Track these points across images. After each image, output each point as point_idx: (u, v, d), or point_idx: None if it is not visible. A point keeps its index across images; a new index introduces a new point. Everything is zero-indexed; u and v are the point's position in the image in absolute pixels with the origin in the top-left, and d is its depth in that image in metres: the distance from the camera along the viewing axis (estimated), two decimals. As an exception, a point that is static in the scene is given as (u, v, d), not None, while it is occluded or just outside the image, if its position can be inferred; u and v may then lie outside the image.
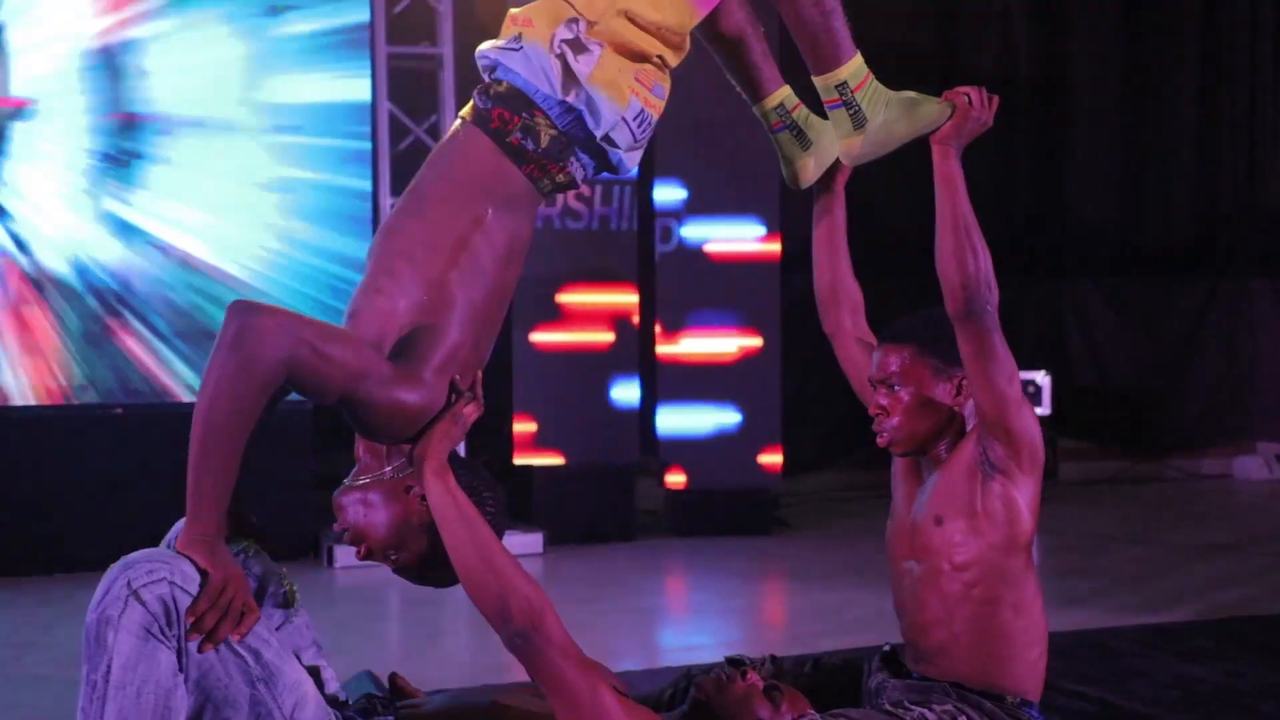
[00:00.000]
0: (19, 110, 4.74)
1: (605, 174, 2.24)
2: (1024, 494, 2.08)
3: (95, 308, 4.79)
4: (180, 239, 4.89)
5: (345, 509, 2.04)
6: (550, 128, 2.05)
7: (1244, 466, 7.41)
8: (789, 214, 5.28)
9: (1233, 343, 7.60)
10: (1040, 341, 6.89)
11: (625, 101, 2.06)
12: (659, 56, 2.11)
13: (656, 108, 2.15)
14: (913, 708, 2.00)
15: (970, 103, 2.08)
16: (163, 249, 4.86)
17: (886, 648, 2.26)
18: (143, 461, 4.75)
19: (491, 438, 5.36)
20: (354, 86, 5.04)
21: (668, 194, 5.43)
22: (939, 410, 2.14)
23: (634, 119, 2.09)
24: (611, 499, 5.31)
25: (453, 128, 2.17)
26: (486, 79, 2.12)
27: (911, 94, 2.15)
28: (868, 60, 2.19)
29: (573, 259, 5.26)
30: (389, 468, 2.04)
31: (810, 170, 2.32)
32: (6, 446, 4.72)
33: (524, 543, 4.94)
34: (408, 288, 1.99)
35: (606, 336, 5.27)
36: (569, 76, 2.03)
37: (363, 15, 5.02)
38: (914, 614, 2.17)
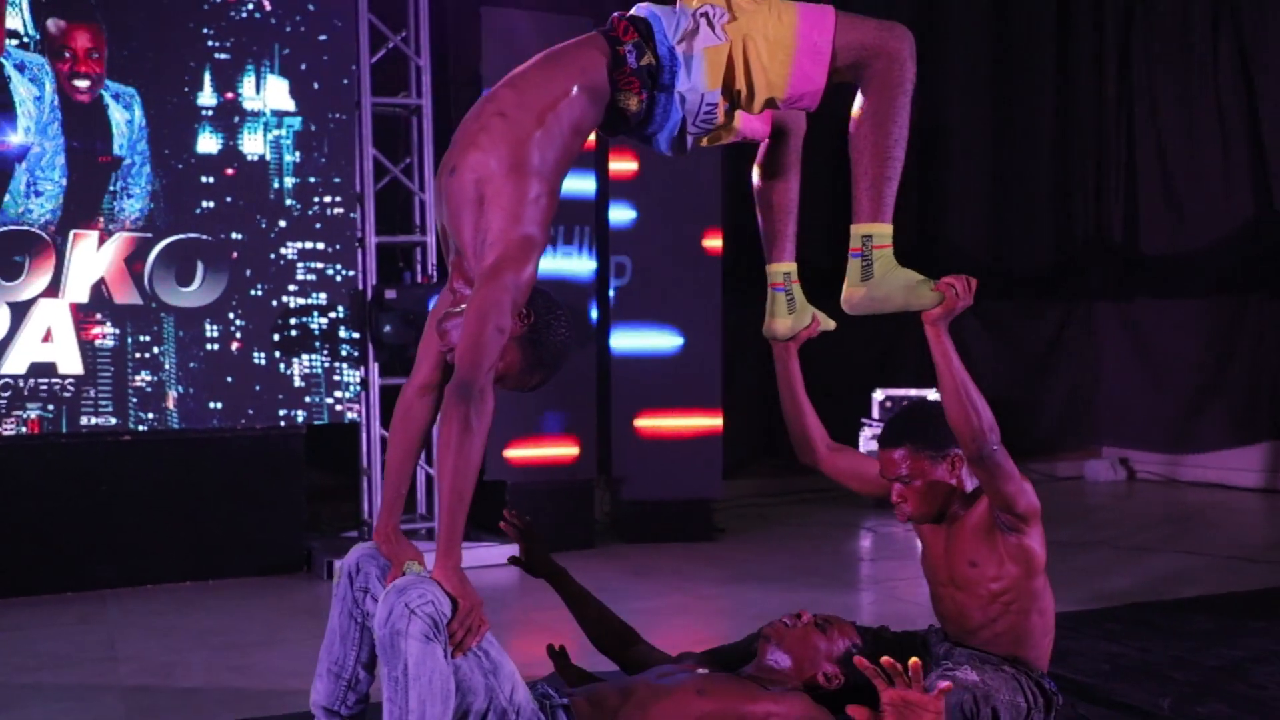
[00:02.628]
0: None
1: (641, 136, 2.65)
2: (1035, 540, 2.76)
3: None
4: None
5: (449, 333, 2.47)
6: (651, 58, 2.52)
7: (1093, 469, 8.43)
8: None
9: (1083, 358, 8.60)
10: (926, 360, 7.67)
11: (714, 84, 2.54)
12: (737, 94, 2.55)
13: (716, 119, 2.59)
14: (983, 666, 2.66)
15: (957, 293, 2.57)
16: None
17: (937, 626, 2.92)
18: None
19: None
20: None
21: (620, 214, 5.95)
22: (946, 488, 2.80)
23: (706, 105, 2.55)
24: (572, 510, 5.84)
25: (573, 40, 2.60)
26: (618, 16, 2.59)
27: (917, 276, 2.57)
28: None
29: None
30: None
31: (785, 328, 2.93)
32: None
33: (500, 553, 5.41)
34: (497, 142, 2.41)
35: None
36: (691, 37, 2.52)
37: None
38: (959, 621, 2.84)
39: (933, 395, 7.08)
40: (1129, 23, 8.34)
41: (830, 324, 2.99)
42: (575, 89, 2.52)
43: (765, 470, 7.54)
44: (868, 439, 7.03)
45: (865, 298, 2.61)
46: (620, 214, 5.94)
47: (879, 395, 7.16)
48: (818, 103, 2.64)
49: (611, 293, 5.98)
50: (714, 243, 6.02)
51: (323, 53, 5.38)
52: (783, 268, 2.92)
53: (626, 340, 5.97)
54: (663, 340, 5.98)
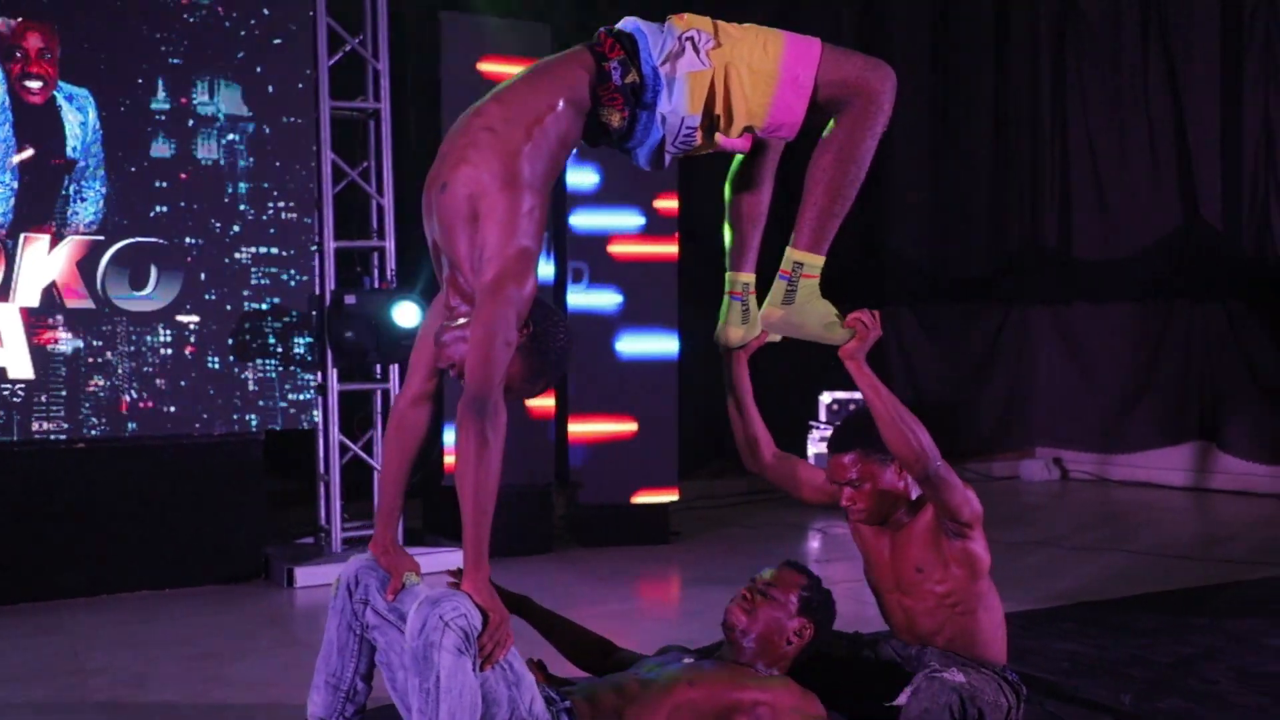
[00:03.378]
0: None
1: (621, 148, 2.71)
2: (978, 544, 2.89)
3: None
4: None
5: (448, 346, 2.50)
6: (635, 75, 2.57)
7: (1028, 469, 8.67)
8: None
9: (1018, 362, 8.85)
10: (876, 363, 7.83)
11: (695, 109, 2.59)
12: (716, 118, 2.61)
13: (694, 141, 2.65)
14: (955, 669, 2.76)
15: (867, 326, 2.73)
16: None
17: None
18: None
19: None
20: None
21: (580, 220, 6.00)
22: (894, 491, 2.92)
23: (686, 128, 2.62)
24: (531, 514, 5.86)
25: (559, 54, 2.66)
26: (605, 32, 2.63)
27: (833, 312, 2.72)
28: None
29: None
30: None
31: (738, 336, 3.02)
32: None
33: (459, 560, 5.42)
34: (488, 157, 2.45)
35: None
36: (675, 59, 2.57)
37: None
38: (911, 627, 2.96)
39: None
40: (1062, 39, 8.59)
41: (778, 336, 3.05)
42: (561, 103, 2.56)
43: (711, 473, 7.63)
44: (815, 441, 7.15)
45: (783, 320, 2.73)
46: (580, 220, 5.98)
47: (826, 398, 7.29)
48: (796, 133, 2.71)
49: (569, 297, 6.02)
50: (669, 249, 6.08)
51: (277, 57, 5.34)
52: (743, 278, 2.99)
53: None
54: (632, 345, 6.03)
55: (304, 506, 5.84)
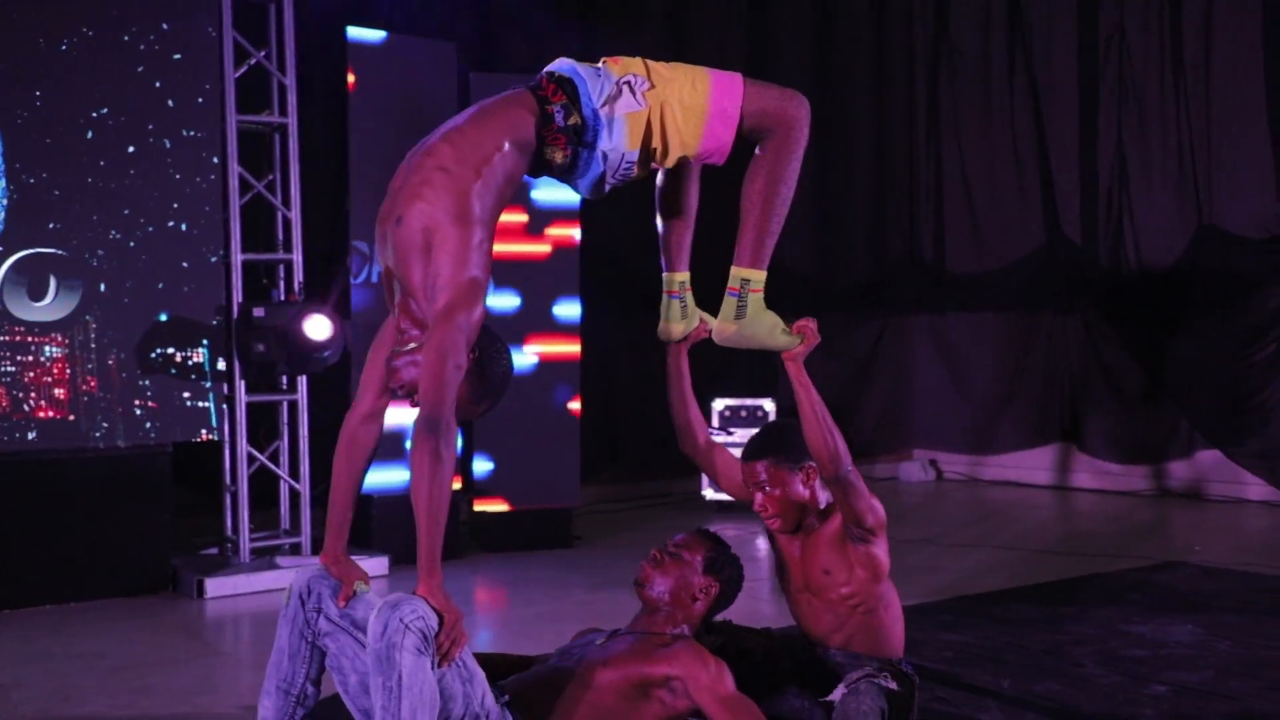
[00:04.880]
0: None
1: (563, 180, 2.92)
2: (880, 548, 3.16)
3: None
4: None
5: (400, 370, 2.69)
6: (577, 118, 2.79)
7: (907, 471, 9.11)
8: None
9: (898, 367, 9.29)
10: (762, 371, 8.07)
11: (634, 145, 2.83)
12: (653, 151, 2.84)
13: (633, 174, 2.88)
14: (887, 674, 3.01)
15: (808, 333, 3.00)
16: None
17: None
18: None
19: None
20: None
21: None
22: (800, 500, 3.17)
23: (625, 163, 2.85)
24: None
25: (503, 96, 2.84)
26: (547, 77, 2.83)
27: (779, 321, 2.97)
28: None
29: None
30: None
31: (678, 332, 3.23)
32: None
33: (371, 565, 5.51)
34: (441, 194, 2.63)
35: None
36: (613, 101, 2.80)
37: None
38: (815, 624, 3.22)
39: (767, 404, 7.58)
40: (936, 60, 9.08)
41: (707, 326, 3.23)
42: (507, 144, 2.76)
43: (608, 478, 7.84)
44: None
45: (736, 334, 3.00)
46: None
47: (719, 405, 7.57)
48: (725, 159, 2.96)
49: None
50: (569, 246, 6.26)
51: (178, 71, 5.36)
52: (679, 276, 3.21)
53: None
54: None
55: (203, 517, 5.85)
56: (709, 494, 7.42)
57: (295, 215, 5.67)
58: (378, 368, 2.82)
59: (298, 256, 5.64)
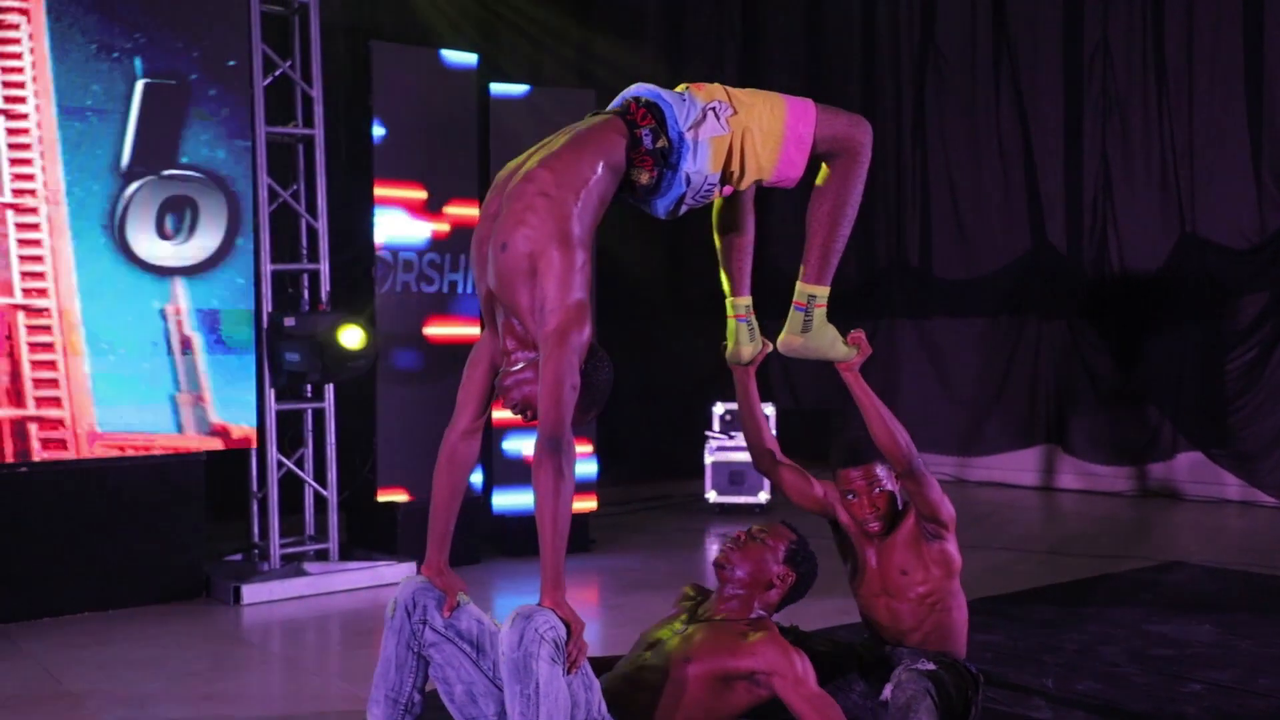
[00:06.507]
0: None
1: (641, 202, 3.04)
2: (952, 545, 3.33)
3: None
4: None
5: (510, 390, 2.82)
6: (665, 141, 2.93)
7: (896, 471, 9.31)
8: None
9: (886, 370, 9.48)
10: (762, 375, 8.24)
11: (717, 168, 2.98)
12: (731, 174, 2.99)
13: (713, 196, 3.05)
14: (924, 659, 3.17)
15: (861, 344, 3.25)
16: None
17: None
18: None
19: (352, 476, 5.95)
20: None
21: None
22: (896, 495, 3.36)
23: (708, 185, 2.99)
24: (458, 527, 6.03)
25: (593, 120, 2.97)
26: (635, 103, 2.95)
27: (839, 335, 3.20)
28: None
29: (429, 312, 5.98)
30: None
31: (748, 354, 3.41)
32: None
33: (397, 572, 5.59)
34: (545, 219, 2.74)
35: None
36: (699, 125, 2.94)
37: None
38: (895, 625, 3.36)
39: (768, 409, 7.73)
40: (923, 70, 9.29)
41: (770, 346, 3.41)
42: (601, 167, 2.89)
43: (609, 481, 7.96)
44: (713, 450, 7.56)
45: (802, 346, 3.17)
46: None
47: (719, 409, 7.71)
48: (797, 183, 3.10)
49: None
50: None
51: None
52: (744, 301, 3.37)
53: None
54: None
55: (227, 523, 5.89)
56: (711, 496, 7.56)
57: (322, 225, 5.72)
58: (475, 385, 2.93)
59: (325, 266, 5.70)
